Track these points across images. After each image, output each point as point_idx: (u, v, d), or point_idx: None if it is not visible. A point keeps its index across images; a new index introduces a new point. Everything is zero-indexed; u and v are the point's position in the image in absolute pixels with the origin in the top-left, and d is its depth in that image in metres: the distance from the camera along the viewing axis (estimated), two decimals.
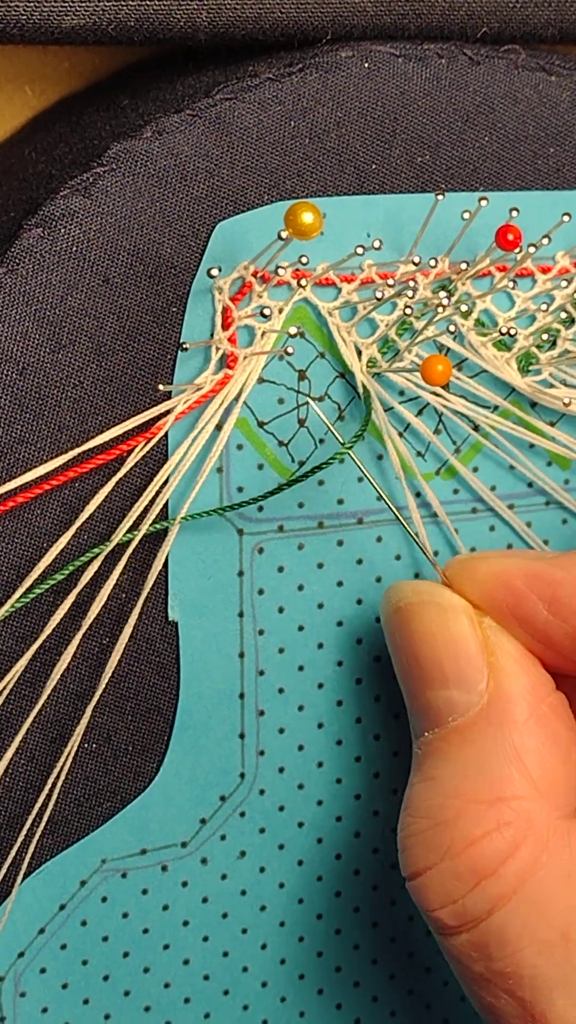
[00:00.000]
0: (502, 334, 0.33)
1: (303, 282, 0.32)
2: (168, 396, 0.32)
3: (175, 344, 0.32)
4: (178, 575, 0.33)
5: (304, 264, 0.33)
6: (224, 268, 0.32)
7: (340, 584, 0.35)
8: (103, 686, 0.32)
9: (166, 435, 0.32)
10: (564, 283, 0.35)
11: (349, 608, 0.35)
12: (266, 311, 0.32)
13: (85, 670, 0.32)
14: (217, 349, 0.32)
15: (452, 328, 0.34)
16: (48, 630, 0.31)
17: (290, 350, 0.32)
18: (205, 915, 0.35)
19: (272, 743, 0.35)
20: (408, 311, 0.33)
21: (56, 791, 0.32)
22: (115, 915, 0.34)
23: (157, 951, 0.35)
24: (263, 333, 0.32)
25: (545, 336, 0.35)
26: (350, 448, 0.32)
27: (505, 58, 0.34)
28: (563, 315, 0.35)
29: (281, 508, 0.34)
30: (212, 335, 0.32)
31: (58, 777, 0.32)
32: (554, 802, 0.30)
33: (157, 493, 0.32)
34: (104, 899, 0.34)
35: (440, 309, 0.33)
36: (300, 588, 0.34)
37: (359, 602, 0.35)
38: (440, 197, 0.32)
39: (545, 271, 0.35)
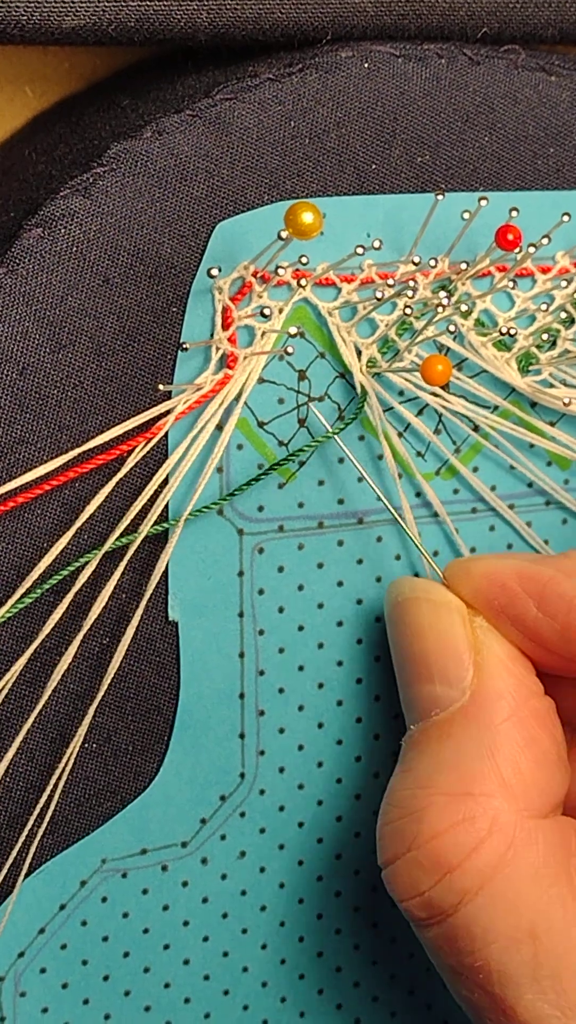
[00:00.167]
0: (502, 334, 0.33)
1: (303, 282, 0.32)
2: (168, 396, 0.32)
3: (175, 344, 0.32)
4: (178, 575, 0.33)
5: (304, 264, 0.33)
6: (224, 268, 0.32)
7: (340, 584, 0.35)
8: (105, 687, 0.32)
9: (166, 435, 0.32)
10: (564, 283, 0.35)
11: (349, 608, 0.35)
12: (266, 311, 0.32)
13: (85, 670, 0.32)
14: (217, 349, 0.32)
15: (452, 328, 0.34)
16: (46, 630, 0.31)
17: (290, 350, 0.32)
18: (205, 915, 0.35)
19: (272, 743, 0.35)
20: (408, 311, 0.33)
21: (57, 791, 0.32)
22: (115, 915, 0.34)
23: (157, 951, 0.35)
24: (263, 333, 0.32)
25: (545, 336, 0.35)
26: (338, 432, 0.32)
27: (505, 58, 0.34)
28: (563, 315, 0.35)
29: (281, 508, 0.34)
30: (212, 335, 0.32)
31: (59, 777, 0.32)
32: (524, 803, 0.30)
33: (157, 493, 0.32)
34: (104, 899, 0.34)
35: (440, 309, 0.33)
36: (300, 588, 0.34)
37: (359, 602, 0.35)
38: (440, 197, 0.32)
39: (545, 271, 0.35)
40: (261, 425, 0.33)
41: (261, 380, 0.33)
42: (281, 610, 0.34)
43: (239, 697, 0.34)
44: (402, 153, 0.33)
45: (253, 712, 0.34)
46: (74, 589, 0.31)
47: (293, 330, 0.31)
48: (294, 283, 0.32)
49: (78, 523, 0.31)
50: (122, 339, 0.31)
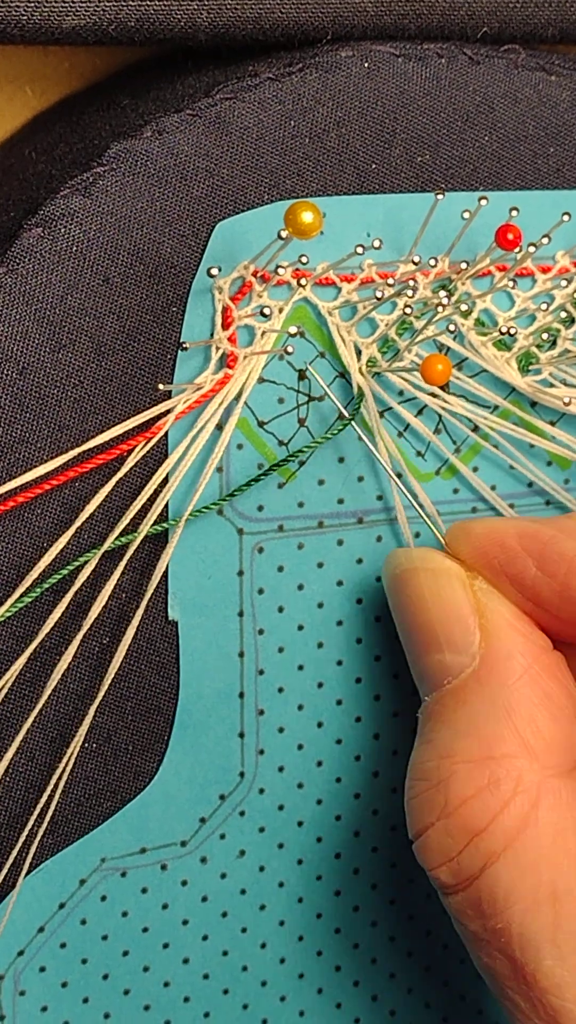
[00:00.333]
0: (502, 334, 0.33)
1: (303, 282, 0.32)
2: (168, 396, 0.32)
3: (175, 344, 0.32)
4: (178, 575, 0.33)
5: (304, 264, 0.33)
6: (224, 268, 0.32)
7: (340, 584, 0.35)
8: (106, 686, 0.32)
9: (166, 435, 0.32)
10: (564, 283, 0.35)
11: (349, 608, 0.35)
12: (266, 311, 0.32)
13: (85, 670, 0.32)
14: (217, 349, 0.32)
15: (452, 328, 0.34)
16: (46, 629, 0.31)
17: (290, 349, 0.32)
18: (205, 914, 0.35)
19: (272, 742, 0.35)
20: (408, 311, 0.33)
21: (58, 791, 0.32)
22: (115, 914, 0.34)
23: (157, 950, 0.35)
24: (263, 333, 0.32)
25: (545, 336, 0.35)
26: (353, 416, 0.33)
27: (505, 58, 0.34)
28: (563, 315, 0.35)
29: (281, 508, 0.34)
30: (212, 335, 0.32)
31: (59, 777, 0.32)
32: (545, 761, 0.30)
33: (156, 493, 0.32)
34: (104, 898, 0.34)
35: (440, 309, 0.33)
36: (300, 588, 0.34)
37: (359, 601, 0.35)
38: (440, 197, 0.32)
39: (545, 271, 0.35)
40: (261, 425, 0.33)
41: (261, 380, 0.33)
42: (281, 610, 0.34)
43: (239, 696, 0.34)
44: (402, 153, 0.33)
45: (253, 711, 0.34)
46: (73, 588, 0.31)
47: (293, 330, 0.31)
48: (294, 283, 0.32)
49: (77, 522, 0.31)
50: (122, 339, 0.31)
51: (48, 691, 0.31)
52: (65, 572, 0.31)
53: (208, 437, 0.32)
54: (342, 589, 0.35)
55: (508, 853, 0.30)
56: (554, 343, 0.35)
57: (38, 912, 0.34)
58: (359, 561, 0.35)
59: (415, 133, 0.33)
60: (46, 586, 0.31)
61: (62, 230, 0.31)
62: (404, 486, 0.34)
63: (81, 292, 0.31)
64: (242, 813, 0.35)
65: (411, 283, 0.33)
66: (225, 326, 0.32)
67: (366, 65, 0.33)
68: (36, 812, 0.32)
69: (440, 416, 0.35)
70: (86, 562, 0.31)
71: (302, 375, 0.33)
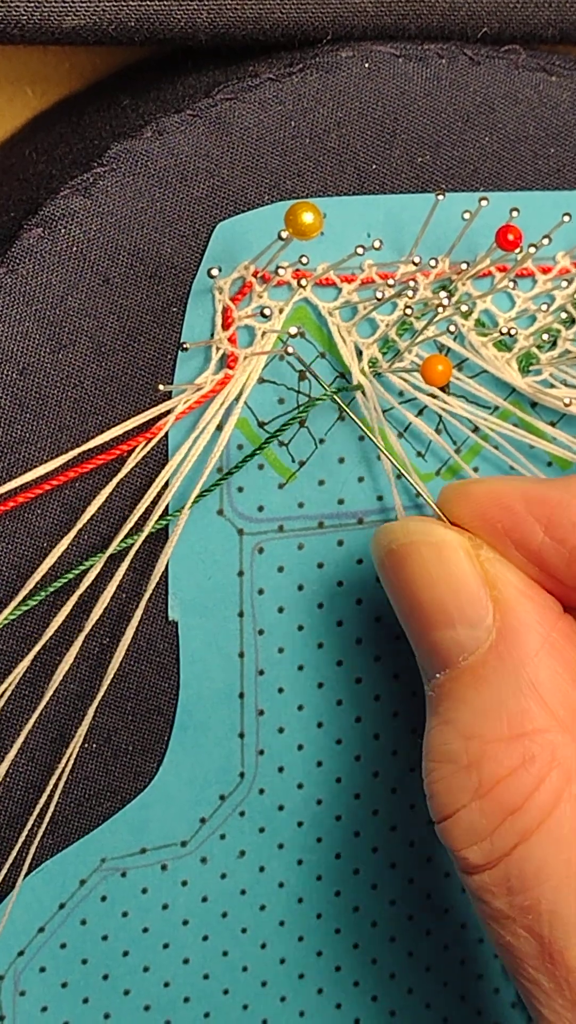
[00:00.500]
0: (502, 334, 0.33)
1: (303, 282, 0.32)
2: (168, 396, 0.32)
3: (175, 344, 0.32)
4: (178, 575, 0.33)
5: (304, 264, 0.33)
6: (224, 268, 0.32)
7: (340, 584, 0.35)
8: (105, 687, 0.32)
9: (166, 435, 0.32)
10: (564, 283, 0.35)
11: (349, 608, 0.35)
12: (266, 311, 0.32)
13: (85, 670, 0.32)
14: (217, 349, 0.32)
15: (452, 328, 0.34)
16: (49, 632, 0.31)
17: (290, 350, 0.32)
18: (205, 914, 0.35)
19: (272, 742, 0.35)
20: (408, 311, 0.33)
21: (57, 791, 0.32)
22: (115, 914, 0.34)
23: (157, 950, 0.35)
24: (263, 333, 0.32)
25: (545, 336, 0.35)
26: (335, 393, 0.32)
27: (505, 58, 0.34)
28: (563, 315, 0.35)
29: (281, 508, 0.34)
30: (212, 335, 0.32)
31: (59, 777, 0.32)
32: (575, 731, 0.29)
33: (159, 495, 0.32)
34: (104, 898, 0.34)
35: (440, 309, 0.33)
36: (300, 588, 0.34)
37: (359, 602, 0.35)
38: (440, 197, 0.32)
39: (545, 271, 0.35)
40: (261, 425, 0.33)
41: (261, 380, 0.33)
42: (281, 610, 0.34)
43: (239, 697, 0.34)
44: (402, 153, 0.33)
45: (253, 712, 0.34)
46: (77, 593, 0.31)
47: (293, 330, 0.31)
48: (294, 283, 0.32)
49: (78, 525, 0.31)
50: (122, 339, 0.31)
51: (50, 692, 0.31)
52: (70, 576, 0.31)
53: (208, 438, 0.32)
54: (342, 590, 0.35)
55: (542, 829, 0.29)
56: (554, 344, 0.35)
57: (38, 912, 0.34)
58: (359, 562, 0.35)
59: (415, 134, 0.33)
60: (51, 590, 0.31)
61: (62, 230, 0.31)
62: (404, 487, 0.34)
63: (81, 292, 0.31)
64: (242, 813, 0.35)
65: (411, 284, 0.33)
66: (225, 326, 0.32)
67: (366, 65, 0.33)
68: (36, 812, 0.32)
69: (440, 417, 0.35)
70: (91, 566, 0.31)
71: (302, 375, 0.33)
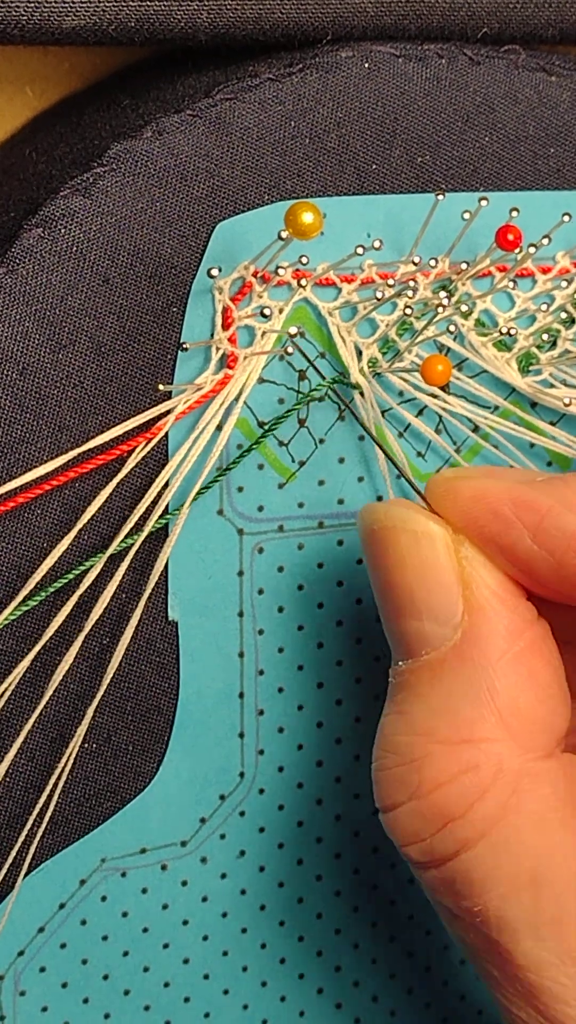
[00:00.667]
0: (502, 334, 0.33)
1: (303, 282, 0.32)
2: (168, 396, 0.32)
3: (175, 344, 0.32)
4: (178, 575, 0.33)
5: (304, 264, 0.33)
6: (224, 268, 0.32)
7: (340, 584, 0.35)
8: (105, 686, 0.32)
9: (166, 435, 0.32)
10: (564, 283, 0.35)
11: (349, 608, 0.35)
12: (266, 311, 0.32)
13: (85, 670, 0.32)
14: (217, 349, 0.32)
15: (452, 328, 0.34)
16: (50, 632, 0.31)
17: (290, 350, 0.32)
18: (205, 914, 0.35)
19: (271, 742, 0.35)
20: (408, 311, 0.33)
21: (57, 791, 0.32)
22: (115, 914, 0.34)
23: (157, 950, 0.35)
24: (263, 333, 0.32)
25: (545, 336, 0.35)
26: (331, 384, 0.32)
27: (505, 58, 0.34)
28: (563, 315, 0.35)
29: (281, 508, 0.34)
30: (212, 335, 0.32)
31: (59, 777, 0.32)
32: (527, 744, 0.29)
33: (159, 495, 0.32)
34: (104, 898, 0.34)
35: (440, 309, 0.33)
36: (300, 588, 0.34)
37: (359, 602, 0.35)
38: (440, 197, 0.32)
39: (545, 271, 0.35)
40: (261, 425, 0.33)
41: (261, 380, 0.33)
42: (281, 610, 0.34)
43: (239, 697, 0.34)
44: (402, 153, 0.33)
45: (252, 712, 0.34)
46: (78, 593, 0.31)
47: (293, 330, 0.31)
48: (294, 283, 0.32)
49: (79, 525, 0.31)
50: (122, 339, 0.31)
51: (49, 692, 0.31)
52: (71, 576, 0.31)
53: (208, 438, 0.32)
54: (342, 590, 0.35)
55: (486, 840, 0.28)
56: (554, 344, 0.35)
57: (38, 912, 0.34)
58: (359, 562, 0.35)
59: (415, 134, 0.33)
60: (51, 590, 0.31)
61: (62, 230, 0.31)
62: (403, 488, 0.34)
63: (81, 292, 0.31)
64: (242, 813, 0.35)
65: (411, 284, 0.33)
66: (225, 326, 0.32)
67: (366, 66, 0.33)
68: (36, 812, 0.32)
69: (440, 417, 0.35)
70: (91, 566, 0.31)
71: (302, 375, 0.33)
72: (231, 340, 0.32)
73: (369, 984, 0.37)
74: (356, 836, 0.36)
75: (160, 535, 0.32)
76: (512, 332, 0.33)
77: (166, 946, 0.35)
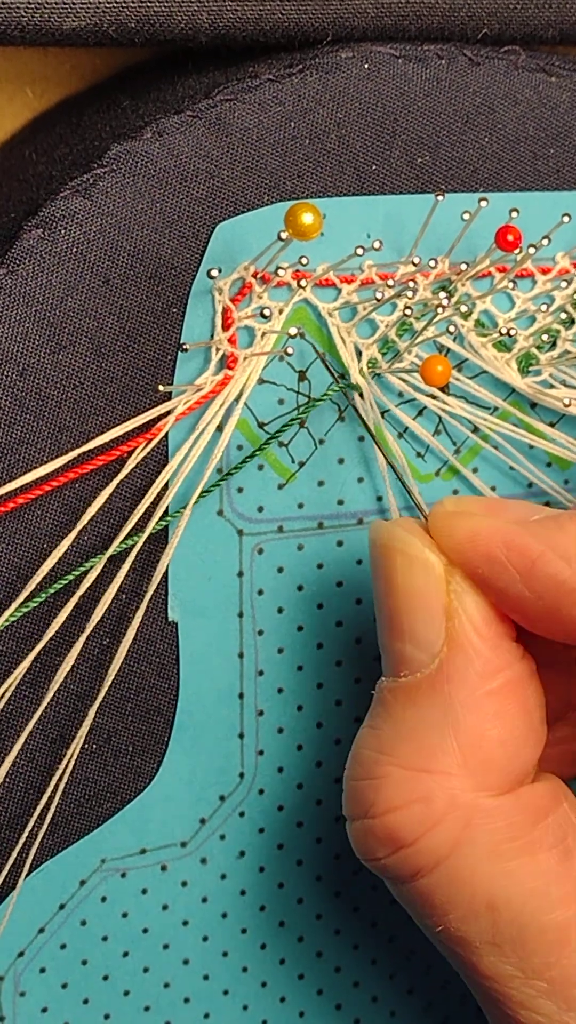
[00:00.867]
0: (502, 335, 0.33)
1: (303, 283, 0.32)
2: (168, 397, 0.32)
3: (175, 345, 0.32)
4: (178, 575, 0.33)
5: (304, 265, 0.33)
6: (224, 269, 0.32)
7: (340, 585, 0.35)
8: (106, 687, 0.32)
9: (166, 436, 0.32)
10: (564, 284, 0.35)
11: (349, 609, 0.35)
12: (266, 312, 0.32)
13: (85, 671, 0.32)
14: (217, 350, 0.32)
15: (452, 329, 0.34)
16: (50, 633, 0.31)
17: (290, 351, 0.32)
18: (205, 915, 0.35)
19: (271, 743, 0.35)
20: (408, 312, 0.33)
21: (58, 792, 0.32)
22: (115, 915, 0.34)
23: (157, 951, 0.35)
24: (263, 334, 0.32)
25: (545, 337, 0.35)
26: (344, 388, 0.32)
27: (505, 59, 0.34)
28: (563, 316, 0.35)
29: (281, 509, 0.34)
30: (212, 336, 0.32)
31: (60, 778, 0.32)
32: (484, 782, 0.29)
33: (159, 496, 0.32)
34: (104, 899, 0.34)
35: (440, 310, 0.33)
36: (300, 589, 0.34)
37: (358, 602, 0.35)
38: (440, 198, 0.32)
39: (545, 272, 0.35)
40: (261, 426, 0.33)
41: (261, 381, 0.33)
42: (280, 611, 0.34)
43: (238, 697, 0.34)
44: (402, 154, 0.33)
45: (252, 712, 0.34)
46: (79, 593, 0.31)
47: (293, 331, 0.31)
48: (294, 284, 0.32)
49: (79, 526, 0.31)
50: (122, 340, 0.31)
51: (50, 693, 0.31)
52: (71, 577, 0.31)
53: (208, 438, 0.32)
54: (342, 590, 0.35)
55: (440, 869, 0.29)
56: (554, 344, 0.35)
57: (38, 913, 0.34)
58: (359, 562, 0.35)
59: (415, 134, 0.33)
60: (51, 591, 0.31)
61: (62, 231, 0.31)
62: (403, 487, 0.34)
63: (81, 293, 0.31)
64: (242, 814, 0.35)
65: (411, 284, 0.33)
66: (225, 327, 0.32)
67: (366, 66, 0.33)
68: (36, 813, 0.32)
69: (440, 417, 0.35)
70: (92, 567, 0.31)
71: (302, 376, 0.33)
72: (231, 341, 0.32)
73: (369, 985, 0.37)
74: None
75: (160, 536, 0.32)
76: (512, 333, 0.33)
77: (166, 947, 0.35)
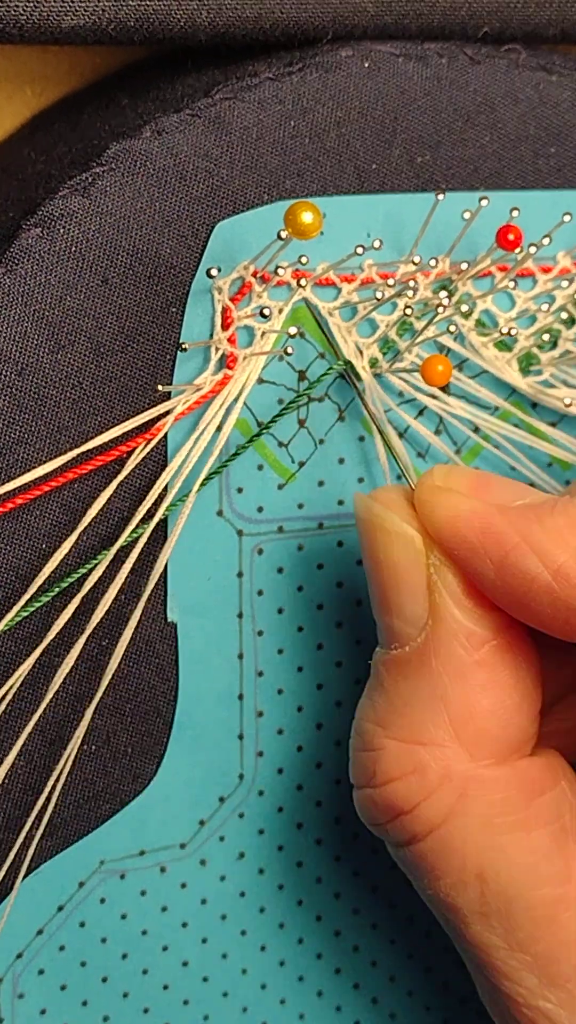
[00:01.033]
0: (503, 334, 0.33)
1: (303, 282, 0.32)
2: (168, 397, 0.32)
3: (174, 344, 0.32)
4: (177, 576, 0.33)
5: (304, 264, 0.32)
6: (223, 268, 0.32)
7: (340, 585, 0.35)
8: (104, 688, 0.32)
9: (166, 436, 0.32)
10: (565, 283, 0.35)
11: (348, 609, 0.35)
12: (266, 311, 0.32)
13: (83, 671, 0.32)
14: (216, 349, 0.32)
15: (452, 328, 0.34)
16: (51, 635, 0.31)
17: (290, 350, 0.32)
18: (204, 917, 0.35)
19: (271, 744, 0.35)
20: (408, 311, 0.33)
21: (56, 793, 0.32)
22: (114, 916, 0.34)
23: (156, 953, 0.35)
24: (263, 333, 0.32)
25: (546, 336, 0.35)
26: (344, 368, 0.32)
27: (506, 58, 0.34)
28: (564, 315, 0.35)
29: (281, 509, 0.34)
30: (211, 335, 0.32)
31: (58, 779, 0.32)
32: (477, 752, 0.30)
33: (160, 496, 0.32)
34: (103, 900, 0.34)
35: (440, 309, 0.33)
36: (299, 589, 0.34)
37: (358, 603, 0.35)
38: (440, 197, 0.32)
39: (546, 271, 0.35)
40: (260, 425, 0.33)
41: (261, 381, 0.33)
42: (280, 611, 0.34)
43: (238, 698, 0.34)
44: (402, 152, 0.33)
45: (252, 713, 0.34)
46: (80, 595, 0.31)
47: (293, 330, 0.31)
48: (294, 283, 0.32)
49: (80, 527, 0.31)
50: (121, 339, 0.31)
51: (50, 694, 0.31)
52: (74, 579, 0.31)
53: (208, 438, 0.32)
54: (342, 591, 0.35)
55: (433, 836, 0.29)
56: (555, 344, 0.35)
57: (37, 914, 0.34)
58: (359, 563, 0.35)
59: (415, 133, 0.33)
60: (53, 593, 0.31)
61: (61, 230, 0.31)
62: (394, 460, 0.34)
63: (80, 292, 0.31)
64: (241, 815, 0.35)
65: (411, 284, 0.33)
66: (225, 327, 0.32)
67: (366, 65, 0.33)
68: (35, 814, 0.32)
69: (440, 417, 0.35)
70: (93, 567, 0.31)
71: (302, 376, 0.33)
72: (230, 340, 0.32)
73: (369, 987, 0.37)
74: (356, 839, 0.36)
75: (159, 537, 0.32)
76: (513, 332, 0.33)
77: (165, 948, 0.35)
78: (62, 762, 0.32)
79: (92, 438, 0.31)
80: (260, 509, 0.34)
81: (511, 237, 0.32)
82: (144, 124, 0.31)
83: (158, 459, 0.32)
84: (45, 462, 0.31)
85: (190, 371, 0.32)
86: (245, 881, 0.35)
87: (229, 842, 0.35)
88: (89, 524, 0.32)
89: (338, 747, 0.35)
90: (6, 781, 0.32)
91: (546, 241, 0.33)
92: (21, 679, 0.32)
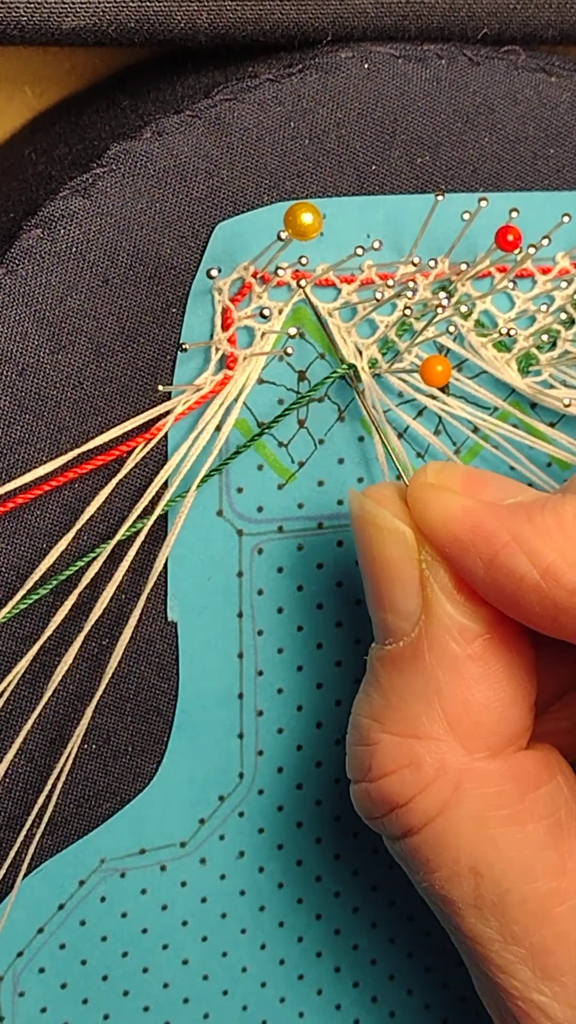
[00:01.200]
0: (502, 335, 0.33)
1: (303, 283, 0.32)
2: (168, 397, 0.32)
3: (175, 345, 0.32)
4: (177, 575, 0.33)
5: (304, 265, 0.33)
6: (224, 269, 0.32)
7: (340, 585, 0.35)
8: (103, 687, 0.32)
9: (166, 436, 0.32)
10: (564, 284, 0.35)
11: (348, 609, 0.35)
12: (266, 312, 0.32)
13: (84, 670, 0.32)
14: (217, 350, 0.32)
15: (452, 329, 0.34)
16: (49, 631, 0.31)
17: (290, 351, 0.32)
18: (204, 915, 0.35)
19: (271, 743, 0.35)
20: (408, 312, 0.33)
21: (56, 792, 0.32)
22: (114, 915, 0.34)
23: (156, 951, 0.35)
24: (263, 334, 0.32)
25: (545, 337, 0.35)
26: (347, 371, 0.32)
27: (505, 59, 0.34)
28: (563, 316, 0.35)
29: (281, 509, 0.34)
30: (212, 336, 0.32)
31: (58, 778, 0.32)
32: (471, 746, 0.30)
33: (158, 495, 0.32)
34: (103, 899, 0.34)
35: (440, 310, 0.33)
36: (299, 589, 0.34)
37: (358, 603, 0.35)
38: (440, 198, 0.32)
39: (545, 272, 0.35)
40: (260, 426, 0.33)
41: (260, 381, 0.33)
42: (280, 611, 0.34)
43: (238, 697, 0.34)
44: (402, 154, 0.33)
45: (252, 712, 0.34)
46: (78, 590, 0.31)
47: (293, 331, 0.31)
48: (294, 284, 0.32)
49: (78, 525, 0.31)
50: (121, 340, 0.31)
51: (48, 693, 0.31)
52: (72, 571, 0.31)
53: (208, 438, 0.32)
54: (341, 590, 0.35)
55: (428, 829, 0.30)
56: (554, 344, 0.35)
57: (37, 913, 0.34)
58: (358, 562, 0.35)
59: (415, 134, 0.33)
60: (50, 587, 0.31)
61: (62, 231, 0.31)
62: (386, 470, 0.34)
63: (81, 293, 0.31)
64: (241, 814, 0.35)
65: (411, 284, 0.33)
66: (225, 327, 0.32)
67: (366, 66, 0.33)
68: (35, 812, 0.32)
69: (440, 418, 0.35)
70: (90, 562, 0.31)
71: (302, 376, 0.33)
72: (231, 341, 0.32)
73: (369, 985, 0.37)
74: (355, 837, 0.36)
75: (159, 537, 0.32)
76: (512, 333, 0.33)
77: (165, 947, 0.35)
78: (62, 761, 0.32)
79: (92, 438, 0.31)
80: (260, 509, 0.34)
81: (510, 238, 0.32)
82: (144, 125, 0.31)
83: (158, 459, 0.32)
84: (46, 462, 0.31)
85: (190, 371, 0.32)
86: (245, 880, 0.35)
87: (229, 841, 0.35)
88: (89, 523, 0.32)
89: (338, 746, 0.35)
90: (6, 780, 0.32)
91: (545, 242, 0.34)
92: (19, 677, 0.32)
